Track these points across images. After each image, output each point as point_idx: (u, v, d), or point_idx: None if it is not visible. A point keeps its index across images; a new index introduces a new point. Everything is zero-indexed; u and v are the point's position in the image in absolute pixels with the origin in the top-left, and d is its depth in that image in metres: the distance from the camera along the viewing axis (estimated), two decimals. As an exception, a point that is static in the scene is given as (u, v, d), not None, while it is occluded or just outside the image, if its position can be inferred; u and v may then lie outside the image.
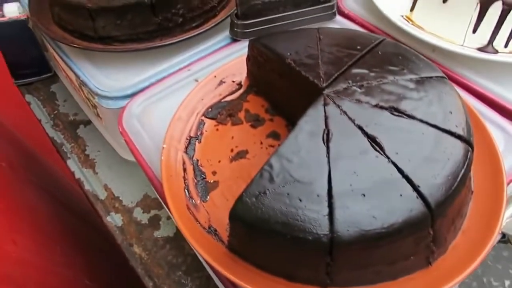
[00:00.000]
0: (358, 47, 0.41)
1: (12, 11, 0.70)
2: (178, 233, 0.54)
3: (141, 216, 0.56)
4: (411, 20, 0.55)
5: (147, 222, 0.56)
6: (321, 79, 0.38)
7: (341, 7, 0.60)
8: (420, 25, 0.55)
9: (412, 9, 0.55)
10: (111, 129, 0.59)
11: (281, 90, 0.45)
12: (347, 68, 0.39)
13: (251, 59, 0.47)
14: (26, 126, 0.75)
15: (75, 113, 0.69)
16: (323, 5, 0.56)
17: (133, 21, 0.52)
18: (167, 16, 0.53)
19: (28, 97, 0.72)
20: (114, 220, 0.56)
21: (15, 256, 0.55)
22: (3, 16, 0.70)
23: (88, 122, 0.67)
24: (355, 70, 0.38)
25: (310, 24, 0.57)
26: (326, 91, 0.37)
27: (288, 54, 0.41)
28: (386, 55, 0.41)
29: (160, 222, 0.55)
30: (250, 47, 0.46)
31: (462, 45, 0.52)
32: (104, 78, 0.53)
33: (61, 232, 0.67)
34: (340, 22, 0.58)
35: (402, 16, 0.56)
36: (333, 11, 0.57)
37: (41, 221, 0.67)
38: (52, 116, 0.68)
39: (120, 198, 0.58)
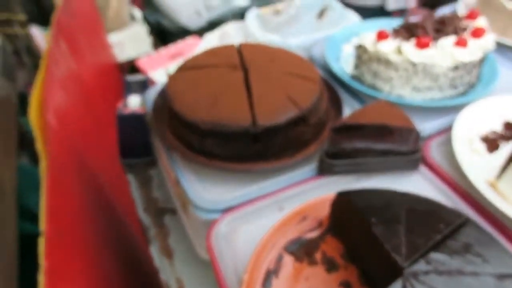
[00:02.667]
0: (441, 225, 0.44)
1: (135, 102, 0.83)
2: None
3: (204, 318, 0.60)
4: (495, 187, 0.57)
5: (208, 327, 0.59)
6: (402, 257, 0.41)
7: (426, 157, 0.63)
8: (504, 193, 0.56)
9: (499, 176, 0.57)
10: (194, 229, 0.65)
11: (360, 244, 0.48)
12: (428, 249, 0.41)
13: (337, 207, 0.52)
14: (121, 202, 0.85)
15: (165, 201, 0.77)
16: (408, 157, 0.60)
17: (235, 144, 0.60)
18: (266, 144, 0.60)
19: (129, 177, 0.82)
20: (180, 316, 0.61)
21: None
22: (125, 106, 0.83)
23: (175, 212, 0.75)
24: (436, 254, 0.41)
25: (393, 170, 0.61)
26: (405, 271, 0.40)
27: (374, 220, 0.45)
28: (469, 240, 0.43)
29: (221, 330, 0.59)
30: (338, 198, 0.51)
31: (547, 226, 0.52)
32: (201, 188, 0.60)
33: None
34: (422, 172, 0.62)
35: (487, 180, 0.58)
36: (417, 163, 0.61)
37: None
38: (146, 199, 0.77)
39: (189, 296, 0.63)
